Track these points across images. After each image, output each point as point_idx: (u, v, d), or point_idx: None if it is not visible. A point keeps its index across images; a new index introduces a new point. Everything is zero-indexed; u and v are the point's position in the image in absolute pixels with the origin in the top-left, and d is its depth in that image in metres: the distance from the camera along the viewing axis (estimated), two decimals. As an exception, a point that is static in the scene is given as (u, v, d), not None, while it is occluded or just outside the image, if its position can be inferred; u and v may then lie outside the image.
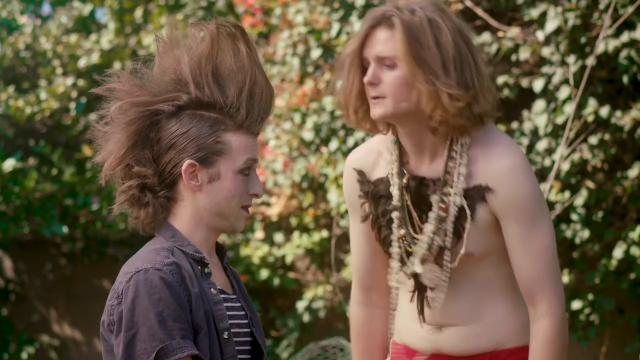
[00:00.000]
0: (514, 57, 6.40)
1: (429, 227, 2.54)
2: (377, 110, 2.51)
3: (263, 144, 7.56)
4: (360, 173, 2.65)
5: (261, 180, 7.41)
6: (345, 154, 6.75)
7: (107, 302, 2.25)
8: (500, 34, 6.50)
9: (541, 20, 6.16)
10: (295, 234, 7.36)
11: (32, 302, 9.31)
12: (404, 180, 2.56)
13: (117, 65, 9.18)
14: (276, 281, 7.55)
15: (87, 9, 9.91)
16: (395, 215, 2.58)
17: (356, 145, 6.71)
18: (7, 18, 9.79)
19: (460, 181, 2.51)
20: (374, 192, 2.62)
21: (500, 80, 6.41)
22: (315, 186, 7.21)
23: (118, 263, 8.98)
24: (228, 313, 2.29)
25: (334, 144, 6.75)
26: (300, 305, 7.33)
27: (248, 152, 2.30)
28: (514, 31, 6.43)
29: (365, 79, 2.51)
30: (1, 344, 8.79)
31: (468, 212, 2.50)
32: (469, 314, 2.58)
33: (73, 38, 9.32)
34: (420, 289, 2.60)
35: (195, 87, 2.29)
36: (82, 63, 9.10)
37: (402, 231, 2.57)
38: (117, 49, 9.21)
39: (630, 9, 4.59)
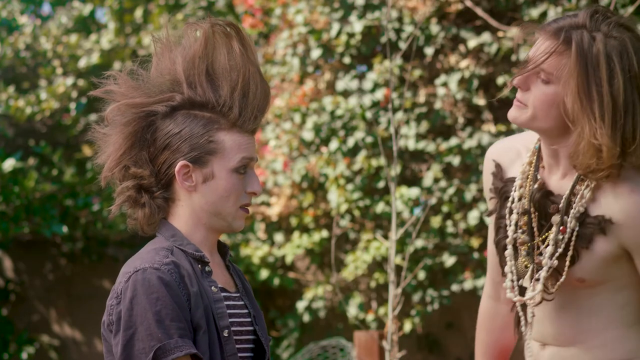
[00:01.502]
0: (514, 57, 6.40)
1: (549, 250, 2.45)
2: (513, 113, 2.44)
3: (263, 144, 7.56)
4: (497, 166, 2.58)
5: (261, 181, 7.44)
6: (346, 154, 6.76)
7: (107, 302, 2.25)
8: (500, 34, 6.50)
9: (541, 21, 6.16)
10: (295, 234, 7.36)
11: (32, 302, 9.31)
12: (535, 186, 2.49)
13: (117, 65, 9.19)
14: (276, 281, 7.55)
15: (87, 9, 9.92)
16: (515, 218, 2.51)
17: (356, 145, 6.72)
18: (7, 18, 9.79)
19: (580, 204, 2.43)
20: (502, 191, 2.56)
21: (500, 80, 6.42)
22: (315, 186, 7.21)
23: (118, 263, 8.99)
24: (230, 311, 2.28)
25: (334, 144, 6.75)
26: (300, 305, 7.33)
27: (243, 151, 2.29)
28: (514, 31, 6.43)
29: (515, 81, 2.45)
30: (1, 344, 8.79)
31: (589, 239, 2.43)
32: (571, 336, 2.52)
33: (73, 38, 9.32)
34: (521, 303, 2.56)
35: (188, 87, 2.29)
36: (82, 63, 9.11)
37: (523, 237, 2.50)
38: (117, 49, 9.22)
39: (631, 9, 4.59)
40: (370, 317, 7.06)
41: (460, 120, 6.65)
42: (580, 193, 2.44)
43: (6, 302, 9.17)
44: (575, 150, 2.38)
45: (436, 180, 6.60)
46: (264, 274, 7.47)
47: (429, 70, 6.77)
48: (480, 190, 6.41)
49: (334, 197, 6.76)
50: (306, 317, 7.35)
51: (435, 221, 6.59)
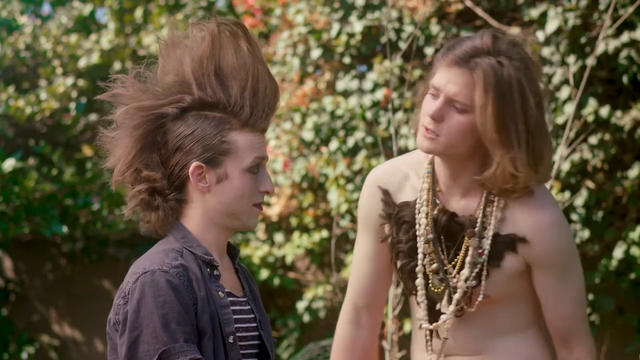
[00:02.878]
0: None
1: (465, 273, 2.49)
2: (425, 144, 2.44)
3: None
4: (385, 192, 2.59)
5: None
6: (346, 154, 6.76)
7: (114, 300, 2.25)
8: (500, 34, 6.50)
9: (541, 21, 6.16)
10: (295, 234, 7.36)
11: (32, 302, 9.30)
12: (435, 212, 2.51)
13: (117, 65, 9.18)
14: (276, 281, 7.55)
15: (87, 9, 9.91)
16: (423, 247, 2.53)
17: (356, 145, 6.72)
18: (7, 18, 9.79)
19: (494, 226, 2.48)
20: (398, 216, 2.56)
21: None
22: (315, 186, 7.21)
23: (118, 263, 8.99)
24: (235, 317, 2.27)
25: (334, 144, 6.75)
26: (301, 305, 7.33)
27: (255, 150, 2.28)
28: (514, 31, 6.43)
29: (429, 112, 2.44)
30: (1, 344, 8.79)
31: (500, 257, 2.48)
32: (476, 346, 2.58)
33: (73, 38, 9.32)
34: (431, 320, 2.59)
35: (198, 88, 2.28)
36: (82, 63, 9.10)
37: (434, 266, 2.52)
38: (117, 49, 9.21)
39: (630, 9, 4.58)
40: (370, 317, 7.04)
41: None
42: (492, 215, 2.48)
43: (6, 302, 9.17)
44: (492, 176, 2.42)
45: (436, 180, 6.59)
46: (264, 274, 7.47)
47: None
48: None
49: (334, 197, 6.76)
50: (306, 317, 7.35)
51: (435, 221, 6.58)
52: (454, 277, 2.52)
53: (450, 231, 2.51)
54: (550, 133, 2.50)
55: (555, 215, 2.49)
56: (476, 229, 2.48)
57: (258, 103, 2.29)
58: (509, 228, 2.48)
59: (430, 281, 2.55)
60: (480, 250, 2.48)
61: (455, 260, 2.52)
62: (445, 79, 2.44)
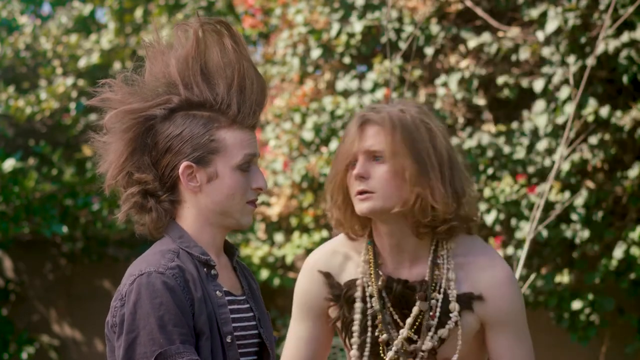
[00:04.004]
0: (514, 57, 6.40)
1: (423, 337, 2.49)
2: (364, 205, 2.45)
3: (263, 144, 7.56)
4: (328, 275, 2.59)
5: (261, 180, 7.44)
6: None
7: (112, 302, 2.25)
8: (500, 34, 6.50)
9: (541, 20, 6.16)
10: (295, 234, 7.36)
11: (32, 302, 9.31)
12: (379, 283, 2.51)
13: (117, 65, 9.19)
14: (276, 281, 7.55)
15: (87, 9, 9.91)
16: (378, 319, 2.53)
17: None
18: (7, 18, 9.79)
19: (451, 287, 2.49)
20: (347, 295, 2.56)
21: (500, 80, 6.41)
22: (315, 186, 7.20)
23: (118, 263, 8.99)
24: (234, 315, 2.27)
25: (334, 144, 6.75)
26: (300, 305, 7.32)
27: (245, 147, 2.28)
28: (514, 31, 6.43)
29: (355, 172, 2.46)
30: (1, 344, 8.79)
31: (456, 319, 2.49)
32: None
33: (73, 38, 9.32)
34: None
35: (185, 88, 2.28)
36: (82, 63, 9.10)
37: (385, 336, 2.52)
38: (117, 49, 9.22)
39: (630, 9, 4.58)
40: (370, 317, 7.05)
41: (460, 120, 6.65)
42: (443, 276, 2.50)
43: (6, 302, 9.17)
44: (412, 210, 2.45)
45: (436, 180, 6.59)
46: (264, 274, 7.48)
47: (429, 70, 6.77)
48: (480, 190, 6.41)
49: (334, 197, 6.75)
50: (306, 317, 7.34)
51: (435, 221, 6.58)
52: (413, 343, 2.53)
53: (404, 299, 2.52)
54: (467, 168, 2.55)
55: (508, 272, 2.52)
56: (424, 293, 2.50)
57: (245, 100, 2.29)
58: (463, 287, 2.50)
59: (384, 353, 2.55)
60: (432, 313, 2.50)
61: (414, 326, 2.52)
62: (357, 139, 2.50)
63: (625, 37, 5.86)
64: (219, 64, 2.29)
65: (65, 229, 8.35)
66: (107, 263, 9.05)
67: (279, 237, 7.49)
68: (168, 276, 2.19)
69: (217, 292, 2.26)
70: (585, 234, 6.17)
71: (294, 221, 7.37)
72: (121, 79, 2.33)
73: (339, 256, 2.61)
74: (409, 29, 6.59)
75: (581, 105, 6.00)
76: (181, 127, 2.26)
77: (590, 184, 6.24)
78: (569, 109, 5.98)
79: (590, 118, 5.96)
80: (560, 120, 6.04)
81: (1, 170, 7.95)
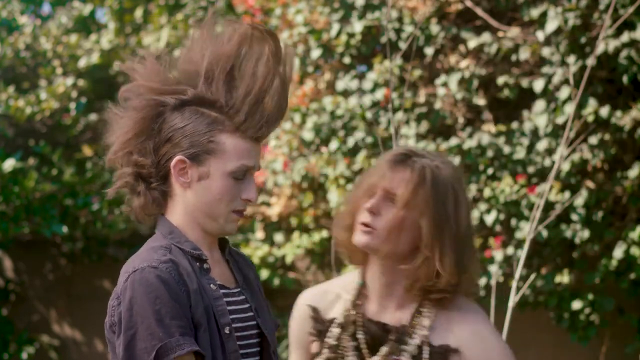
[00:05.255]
0: (514, 57, 6.40)
1: None
2: (363, 238, 2.46)
3: (263, 144, 7.55)
4: (315, 310, 2.62)
5: (261, 181, 7.45)
6: (346, 154, 6.76)
7: (109, 303, 2.25)
8: (500, 34, 6.50)
9: (541, 20, 6.16)
10: (295, 234, 7.36)
11: (32, 302, 9.31)
12: (357, 322, 2.52)
13: (117, 65, 9.19)
14: (276, 281, 7.55)
15: (87, 9, 9.91)
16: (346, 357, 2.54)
17: (356, 145, 6.72)
18: (7, 18, 9.79)
19: (421, 331, 2.47)
20: (327, 332, 2.58)
21: (500, 80, 6.41)
22: (315, 186, 7.21)
23: (118, 263, 8.98)
24: (230, 308, 2.28)
25: (334, 144, 6.75)
26: (300, 305, 7.32)
27: (243, 158, 2.28)
28: (514, 31, 6.43)
29: (367, 205, 2.46)
30: (1, 344, 8.79)
31: None
32: None
33: (73, 38, 9.32)
34: None
35: (204, 83, 2.28)
36: (82, 63, 9.10)
37: None
38: (117, 49, 9.21)
39: (631, 9, 4.58)
40: (370, 317, 7.05)
41: (460, 120, 6.65)
42: (421, 324, 2.48)
43: (6, 302, 9.17)
44: (416, 270, 2.44)
45: (436, 180, 6.59)
46: (264, 274, 7.47)
47: (429, 70, 6.77)
48: (480, 190, 6.41)
49: (334, 197, 6.76)
50: (306, 317, 7.34)
51: (435, 221, 6.58)
52: None
53: (378, 341, 2.51)
54: (476, 251, 2.54)
55: (487, 327, 2.49)
56: (395, 336, 2.49)
57: (256, 112, 2.29)
58: (441, 339, 2.48)
59: None
60: (395, 357, 2.48)
61: None
62: (383, 175, 2.49)
63: (625, 37, 5.86)
64: (250, 71, 2.29)
65: (65, 229, 8.35)
66: (107, 263, 9.05)
67: (279, 237, 7.49)
68: (162, 270, 2.19)
69: (212, 285, 2.26)
70: (585, 234, 6.17)
71: (294, 221, 7.37)
72: (155, 55, 2.34)
73: (331, 296, 2.62)
74: (409, 29, 6.59)
75: (581, 105, 6.00)
76: (187, 121, 2.27)
77: (590, 184, 6.24)
78: (569, 109, 5.98)
79: (590, 118, 5.96)
80: (560, 120, 6.04)
81: (1, 170, 7.95)
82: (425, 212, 2.42)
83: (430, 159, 2.47)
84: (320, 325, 2.61)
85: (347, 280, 2.62)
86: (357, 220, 2.49)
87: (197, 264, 2.27)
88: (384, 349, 2.49)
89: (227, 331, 2.24)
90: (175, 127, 2.27)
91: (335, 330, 2.56)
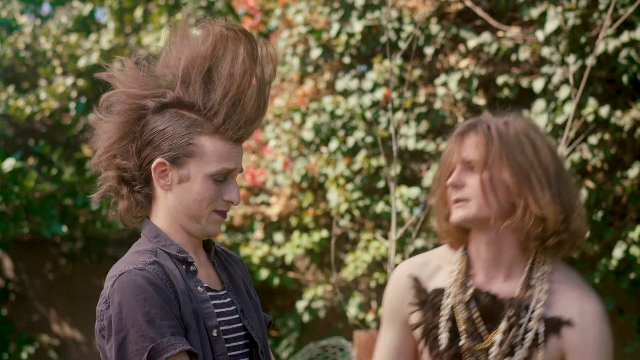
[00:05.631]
0: (514, 57, 6.40)
1: (507, 354, 2.49)
2: (459, 213, 2.48)
3: (263, 144, 7.56)
4: (416, 280, 2.61)
5: (261, 181, 7.44)
6: (346, 154, 6.76)
7: (97, 308, 2.24)
8: (500, 34, 6.50)
9: (541, 20, 6.16)
10: (295, 234, 7.36)
11: (32, 302, 9.31)
12: (469, 293, 2.53)
13: (117, 65, 9.19)
14: (276, 281, 7.55)
15: (87, 9, 9.92)
16: (463, 329, 2.54)
17: (356, 145, 6.72)
18: (7, 18, 9.79)
19: (539, 308, 2.49)
20: (434, 302, 2.58)
21: (500, 80, 6.41)
22: (315, 186, 7.21)
23: (118, 263, 8.99)
24: (217, 311, 2.27)
25: (334, 144, 6.75)
26: (300, 305, 7.33)
27: (224, 161, 2.27)
28: (514, 31, 6.43)
29: (449, 181, 2.50)
30: (1, 344, 8.79)
31: (543, 339, 2.48)
32: None
33: (73, 38, 9.32)
34: None
35: (182, 85, 2.28)
36: (82, 63, 9.11)
37: (467, 345, 2.52)
38: (117, 49, 9.22)
39: (631, 9, 4.59)
40: (370, 317, 7.06)
41: (460, 120, 6.65)
42: (535, 297, 2.50)
43: (6, 302, 9.17)
44: (521, 222, 2.46)
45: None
46: (264, 274, 7.47)
47: (429, 70, 6.77)
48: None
49: (334, 197, 6.76)
50: (306, 317, 7.35)
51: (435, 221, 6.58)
52: (495, 358, 2.52)
53: (491, 313, 2.53)
54: (576, 187, 2.55)
55: (600, 308, 2.51)
56: (516, 310, 2.50)
57: (235, 113, 2.27)
58: (554, 311, 2.50)
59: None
60: (517, 332, 2.49)
61: (492, 341, 2.52)
62: (454, 149, 2.53)
63: (625, 37, 5.86)
64: (226, 72, 2.28)
65: (65, 229, 8.35)
66: (107, 263, 9.05)
67: (279, 237, 7.49)
68: (149, 272, 2.19)
69: (199, 288, 2.26)
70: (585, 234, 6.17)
71: (294, 221, 7.37)
72: (134, 60, 2.34)
73: (430, 267, 2.63)
74: (409, 29, 6.59)
75: (581, 105, 6.00)
76: (167, 124, 2.27)
77: (590, 184, 6.24)
78: (569, 109, 5.98)
79: (590, 118, 5.96)
80: (560, 120, 6.04)
81: (1, 170, 7.95)
82: (504, 166, 2.45)
83: (496, 120, 2.53)
84: (423, 295, 2.59)
85: (444, 254, 2.62)
86: (449, 204, 2.52)
87: (184, 267, 2.27)
88: (502, 325, 2.50)
89: (215, 334, 2.24)
90: (156, 130, 2.27)
91: (447, 301, 2.56)
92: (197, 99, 2.27)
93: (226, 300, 2.32)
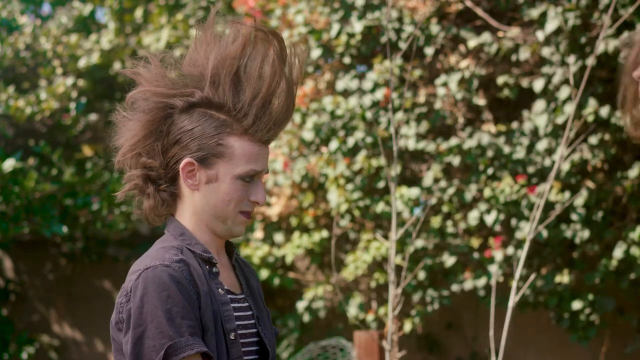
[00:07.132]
0: (514, 57, 6.40)
1: None
2: None
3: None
4: None
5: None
6: (346, 154, 6.76)
7: (116, 300, 2.24)
8: (500, 34, 6.50)
9: (541, 20, 6.16)
10: (295, 234, 7.36)
11: (32, 302, 9.30)
12: None
13: (117, 65, 9.19)
14: (276, 281, 7.55)
15: (87, 9, 9.91)
16: None
17: (356, 145, 6.71)
18: (7, 18, 9.79)
19: None
20: None
21: (500, 80, 6.41)
22: (315, 186, 7.20)
23: (118, 263, 8.99)
24: (235, 314, 2.27)
25: (334, 144, 6.75)
26: (300, 305, 7.32)
27: (252, 162, 2.27)
28: (514, 31, 6.43)
29: (636, 73, 2.27)
30: (1, 344, 8.79)
31: None
32: None
33: (73, 38, 9.32)
34: None
35: (211, 85, 2.27)
36: (82, 63, 9.10)
37: None
38: (117, 49, 9.21)
39: (631, 9, 4.58)
40: (370, 317, 7.05)
41: (460, 120, 6.65)
42: None
43: (6, 302, 9.17)
44: None
45: (436, 180, 6.60)
46: (264, 274, 7.47)
47: (429, 70, 6.77)
48: (480, 190, 6.41)
49: (334, 197, 6.76)
50: (306, 317, 7.35)
51: (435, 221, 6.59)
52: None
53: None
54: None
55: None
56: None
57: (264, 115, 2.28)
58: None
59: None
60: None
61: None
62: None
63: (625, 37, 5.86)
64: (255, 73, 2.28)
65: (65, 229, 8.35)
66: (107, 263, 9.05)
67: (279, 237, 7.49)
68: (174, 269, 2.18)
69: (220, 290, 2.26)
70: (585, 234, 6.17)
71: (294, 221, 7.36)
72: (160, 57, 2.33)
73: None
74: (409, 29, 6.59)
75: (581, 105, 6.00)
76: (195, 124, 2.27)
77: (590, 184, 6.24)
78: (569, 109, 5.98)
79: (590, 118, 5.96)
80: (560, 120, 6.04)
81: (1, 170, 7.95)
82: None
83: None
84: None
85: None
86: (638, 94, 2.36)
87: (207, 267, 2.27)
88: None
89: (232, 337, 2.24)
90: (183, 130, 2.26)
91: None
92: (226, 99, 2.27)
93: (244, 305, 2.33)
